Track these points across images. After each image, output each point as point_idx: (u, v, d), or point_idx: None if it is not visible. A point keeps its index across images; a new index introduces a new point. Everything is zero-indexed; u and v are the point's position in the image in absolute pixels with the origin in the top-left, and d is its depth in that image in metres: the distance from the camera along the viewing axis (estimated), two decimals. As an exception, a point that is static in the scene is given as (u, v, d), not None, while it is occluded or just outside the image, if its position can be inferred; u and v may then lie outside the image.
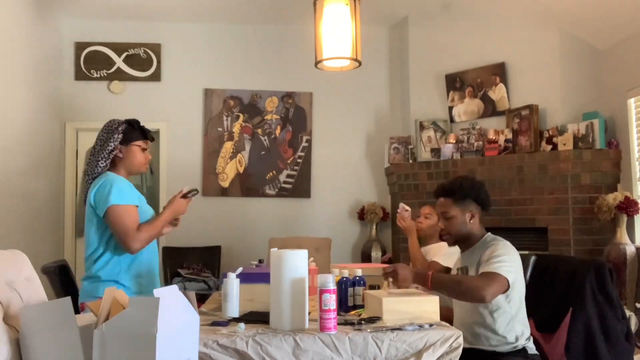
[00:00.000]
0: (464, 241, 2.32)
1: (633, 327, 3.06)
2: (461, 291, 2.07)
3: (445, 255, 2.92)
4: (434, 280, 2.08)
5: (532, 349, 2.19)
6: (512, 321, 2.14)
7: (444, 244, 2.94)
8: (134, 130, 2.38)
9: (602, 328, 2.26)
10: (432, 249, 3.08)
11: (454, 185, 2.31)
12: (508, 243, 2.21)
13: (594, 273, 2.31)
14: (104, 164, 2.32)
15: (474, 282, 2.04)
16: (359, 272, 2.35)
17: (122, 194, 2.25)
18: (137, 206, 2.30)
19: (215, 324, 1.98)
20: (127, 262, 2.28)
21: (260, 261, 3.06)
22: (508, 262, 2.09)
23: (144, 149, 2.40)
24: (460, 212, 2.28)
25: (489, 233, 2.32)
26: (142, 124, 2.43)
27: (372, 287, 2.45)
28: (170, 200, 2.44)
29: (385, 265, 2.20)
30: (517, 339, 2.15)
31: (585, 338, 2.26)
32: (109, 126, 2.36)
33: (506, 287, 2.07)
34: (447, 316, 2.23)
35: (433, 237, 3.09)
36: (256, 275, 2.36)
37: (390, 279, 2.12)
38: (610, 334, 2.25)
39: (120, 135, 2.33)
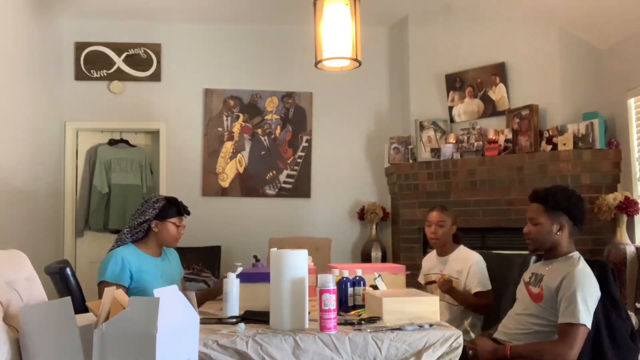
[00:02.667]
0: (547, 250, 2.29)
1: (634, 327, 3.06)
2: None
3: (462, 260, 2.88)
4: (514, 352, 2.09)
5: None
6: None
7: (463, 250, 2.92)
8: (171, 208, 2.59)
9: (607, 328, 2.25)
10: (452, 258, 2.94)
11: (549, 193, 2.27)
12: (588, 271, 2.16)
13: (596, 273, 2.30)
14: (130, 234, 2.55)
15: (556, 351, 2.04)
16: (359, 272, 2.35)
17: (113, 272, 2.44)
18: (122, 286, 2.43)
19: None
20: None
21: (257, 259, 3.05)
22: (587, 301, 2.07)
23: (177, 226, 2.60)
24: (549, 221, 2.24)
25: (576, 252, 2.28)
26: (180, 201, 2.65)
27: (372, 287, 2.45)
28: None
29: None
30: None
31: (593, 339, 2.25)
32: (149, 200, 2.62)
33: (587, 333, 2.07)
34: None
35: (447, 244, 2.97)
36: (256, 275, 2.36)
37: (470, 352, 2.14)
38: (615, 333, 2.24)
39: (156, 211, 2.56)
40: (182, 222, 2.64)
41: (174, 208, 2.59)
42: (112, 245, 2.58)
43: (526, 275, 2.44)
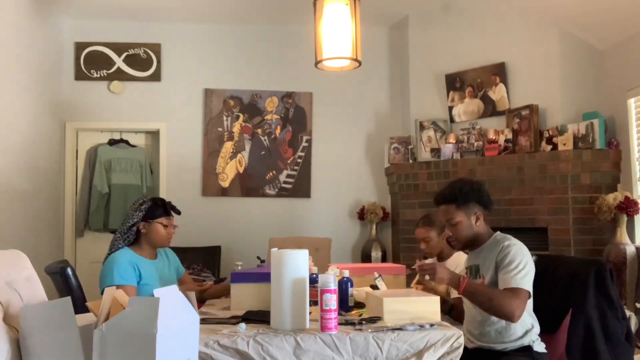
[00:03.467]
0: (472, 243, 2.31)
1: (633, 327, 3.06)
2: (491, 307, 2.08)
3: (459, 264, 2.85)
4: (467, 287, 2.08)
5: (540, 346, 2.20)
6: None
7: (460, 254, 2.90)
8: (158, 208, 2.59)
9: (602, 328, 2.25)
10: (451, 262, 2.92)
11: (454, 190, 2.28)
12: (519, 243, 2.21)
13: (594, 273, 2.30)
14: (122, 239, 2.56)
15: (505, 301, 2.04)
16: (347, 273, 2.35)
17: (121, 274, 2.43)
18: (134, 286, 2.45)
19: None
20: None
21: (262, 260, 3.05)
22: (523, 268, 2.10)
23: (165, 225, 2.59)
24: (465, 216, 2.27)
25: (498, 232, 2.32)
26: (168, 201, 2.65)
27: (372, 287, 2.45)
28: None
29: (426, 262, 2.15)
30: (526, 333, 2.17)
31: (586, 338, 2.26)
32: (135, 203, 2.62)
33: (528, 298, 2.10)
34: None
35: (442, 251, 2.96)
36: (257, 275, 2.36)
37: (427, 277, 2.11)
38: (610, 334, 2.25)
39: (142, 213, 2.56)
40: (171, 221, 2.64)
41: (160, 208, 2.60)
42: (107, 253, 2.58)
43: (462, 274, 2.43)
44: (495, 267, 2.18)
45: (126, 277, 2.43)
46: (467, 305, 2.32)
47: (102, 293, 2.41)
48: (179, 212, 2.68)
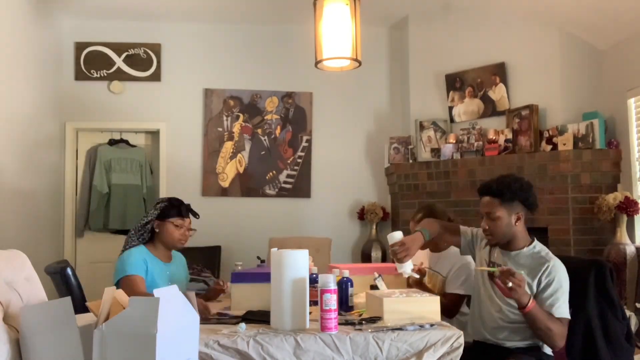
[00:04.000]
0: (507, 242, 2.27)
1: (633, 327, 3.06)
2: (546, 335, 2.08)
3: (452, 259, 2.81)
4: (532, 310, 2.04)
5: (548, 348, 2.21)
6: None
7: (453, 251, 2.85)
8: (172, 208, 2.61)
9: (602, 328, 2.25)
10: (444, 255, 2.84)
11: (502, 185, 2.23)
12: (559, 263, 2.19)
13: (594, 273, 2.31)
14: (136, 236, 2.60)
15: (558, 333, 2.07)
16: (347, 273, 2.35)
17: (131, 265, 2.46)
18: (143, 278, 2.48)
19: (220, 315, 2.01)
20: None
21: (262, 260, 3.05)
22: (564, 293, 2.13)
23: (176, 226, 2.60)
24: (507, 213, 2.22)
25: (536, 240, 2.29)
26: (187, 203, 2.68)
27: (372, 287, 2.45)
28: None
29: (517, 273, 2.05)
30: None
31: (586, 338, 2.26)
32: (154, 202, 2.68)
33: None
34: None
35: (436, 245, 2.87)
36: (257, 275, 2.36)
37: (510, 283, 2.00)
38: (610, 334, 2.25)
39: (157, 212, 2.59)
40: (186, 223, 2.65)
41: (175, 209, 2.61)
42: (122, 249, 2.61)
43: (483, 266, 2.36)
44: (537, 284, 2.16)
45: (137, 268, 2.46)
46: (482, 298, 2.31)
47: (116, 286, 2.43)
48: (196, 215, 2.70)
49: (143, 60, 5.01)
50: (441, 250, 2.87)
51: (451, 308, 2.62)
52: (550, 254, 2.24)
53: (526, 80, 4.36)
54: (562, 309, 2.11)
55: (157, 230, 2.59)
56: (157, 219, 2.59)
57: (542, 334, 2.08)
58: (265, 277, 2.24)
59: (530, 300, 2.04)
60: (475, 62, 4.58)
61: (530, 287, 2.16)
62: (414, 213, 2.92)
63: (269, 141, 5.10)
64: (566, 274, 2.18)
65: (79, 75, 4.95)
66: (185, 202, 2.74)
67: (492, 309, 2.26)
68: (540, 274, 2.15)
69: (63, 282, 2.52)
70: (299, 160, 5.10)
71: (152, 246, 2.61)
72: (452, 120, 4.70)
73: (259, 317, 2.04)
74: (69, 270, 2.55)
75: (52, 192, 4.69)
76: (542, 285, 2.15)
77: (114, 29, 4.99)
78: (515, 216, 2.23)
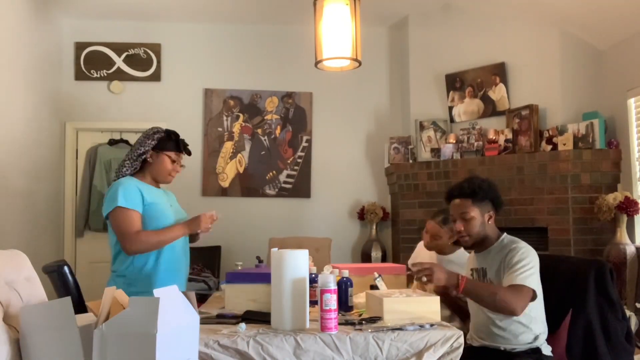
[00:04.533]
0: (481, 243, 2.30)
1: (633, 327, 3.06)
2: (493, 302, 2.05)
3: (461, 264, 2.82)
4: (467, 285, 2.04)
5: (547, 349, 2.20)
6: (531, 322, 2.16)
7: (462, 251, 2.88)
8: (170, 141, 2.47)
9: (602, 328, 2.25)
10: (451, 259, 2.90)
11: (474, 186, 2.27)
12: (527, 246, 2.20)
13: (594, 273, 2.30)
14: (130, 167, 2.43)
15: (507, 296, 2.03)
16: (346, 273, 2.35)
17: (126, 198, 2.33)
18: (138, 212, 2.35)
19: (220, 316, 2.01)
20: (140, 262, 2.37)
21: (260, 260, 3.04)
22: (530, 269, 2.10)
23: (173, 161, 2.48)
24: (480, 213, 2.26)
25: (505, 234, 2.32)
26: (181, 138, 2.52)
27: (372, 287, 2.45)
28: (194, 218, 2.46)
29: (422, 263, 2.12)
30: (535, 339, 2.18)
31: (586, 338, 2.26)
32: (147, 132, 2.48)
33: (532, 298, 2.09)
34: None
35: (446, 247, 2.92)
36: (256, 276, 2.35)
37: (424, 278, 2.05)
38: (610, 334, 2.25)
39: (154, 142, 2.43)
40: (180, 158, 2.51)
41: (173, 142, 2.48)
42: (113, 178, 2.48)
43: (467, 273, 2.41)
44: (502, 270, 2.18)
45: (131, 201, 2.33)
46: (473, 305, 2.32)
47: (106, 217, 2.40)
48: (189, 153, 2.57)
49: (143, 60, 5.01)
50: (447, 254, 2.91)
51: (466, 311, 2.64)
52: (517, 240, 2.25)
53: (526, 80, 4.36)
54: (522, 277, 2.06)
55: (150, 160, 2.44)
56: (153, 149, 2.44)
57: (489, 302, 2.06)
58: (259, 278, 2.24)
59: (460, 278, 2.04)
60: (475, 62, 4.58)
61: (500, 276, 2.17)
62: (435, 213, 3.00)
63: (269, 141, 5.10)
64: (531, 252, 2.17)
65: (79, 75, 4.96)
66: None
67: (481, 315, 2.26)
68: (506, 257, 2.17)
69: (60, 280, 2.51)
70: (299, 160, 5.10)
71: (142, 175, 2.47)
72: (452, 120, 4.70)
73: (258, 317, 2.04)
74: (65, 269, 2.53)
75: (52, 192, 4.69)
76: (504, 266, 2.16)
77: (114, 29, 4.99)
78: (487, 215, 2.28)
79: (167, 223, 2.40)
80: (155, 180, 2.51)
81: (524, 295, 2.05)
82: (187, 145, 2.56)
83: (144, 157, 2.43)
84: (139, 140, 2.46)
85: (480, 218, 2.26)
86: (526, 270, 2.09)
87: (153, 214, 2.38)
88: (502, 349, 2.21)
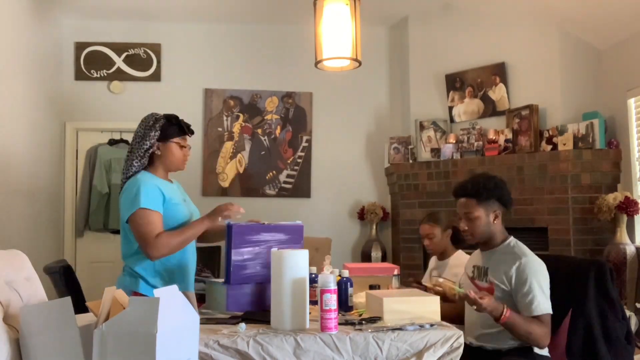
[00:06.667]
0: (486, 242, 2.30)
1: (633, 327, 3.06)
2: (528, 339, 2.09)
3: (460, 266, 2.84)
4: (509, 320, 2.05)
5: (542, 350, 2.20)
6: None
7: (461, 253, 2.90)
8: (172, 126, 2.32)
9: (602, 328, 2.25)
10: (450, 263, 2.93)
11: (478, 185, 2.26)
12: (534, 260, 2.19)
13: (594, 273, 2.30)
14: (139, 164, 2.28)
15: (540, 335, 2.07)
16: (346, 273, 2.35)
17: (148, 198, 2.18)
18: (160, 213, 2.22)
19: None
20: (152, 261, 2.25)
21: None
22: (542, 288, 2.11)
23: (182, 146, 2.34)
24: (484, 212, 2.25)
25: (512, 237, 2.31)
26: (180, 118, 2.37)
27: (372, 287, 2.45)
28: (214, 209, 2.31)
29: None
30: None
31: (586, 338, 2.26)
32: (146, 122, 2.31)
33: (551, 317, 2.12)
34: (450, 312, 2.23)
35: (446, 249, 2.96)
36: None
37: (474, 306, 2.05)
38: (610, 334, 2.25)
39: (158, 132, 2.28)
40: (186, 141, 2.37)
41: (175, 127, 2.33)
42: (123, 178, 2.31)
43: (468, 270, 2.43)
44: (508, 282, 2.17)
45: (154, 201, 2.19)
46: (468, 309, 2.32)
47: (126, 222, 2.20)
48: (192, 132, 2.42)
49: (143, 60, 5.01)
50: (447, 257, 2.97)
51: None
52: (526, 250, 2.23)
53: (526, 80, 4.36)
54: (541, 306, 2.08)
55: (158, 152, 2.30)
56: (159, 140, 2.29)
57: (524, 339, 2.10)
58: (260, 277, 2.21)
59: (505, 310, 2.04)
60: (475, 62, 4.58)
61: (503, 283, 2.18)
62: (423, 218, 3.07)
63: (269, 141, 5.10)
64: (542, 267, 2.17)
65: (79, 75, 4.96)
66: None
67: (474, 316, 2.27)
68: (512, 270, 2.16)
69: (61, 281, 2.52)
70: (299, 160, 5.10)
71: (153, 169, 2.32)
72: (452, 120, 4.70)
73: (258, 317, 2.04)
74: (67, 270, 2.54)
75: (52, 192, 4.69)
76: (515, 283, 2.14)
77: (114, 29, 4.99)
78: (493, 214, 2.26)
79: (183, 220, 2.30)
80: (168, 171, 2.38)
81: (548, 326, 2.09)
82: (190, 125, 2.41)
83: (151, 150, 2.29)
84: (139, 133, 2.30)
85: (485, 218, 2.25)
86: (541, 293, 2.10)
87: (171, 213, 2.27)
88: (490, 348, 2.21)
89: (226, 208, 2.28)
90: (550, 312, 2.11)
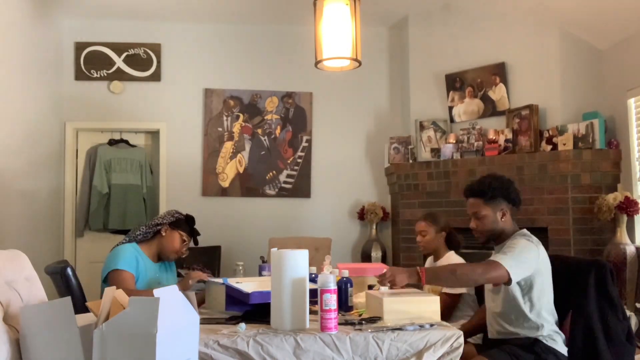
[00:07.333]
0: (496, 238, 2.37)
1: (633, 327, 3.06)
2: (456, 278, 2.14)
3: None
4: (428, 274, 2.12)
5: (551, 340, 2.22)
6: (533, 313, 2.21)
7: (452, 254, 2.96)
8: (187, 224, 2.75)
9: (603, 328, 2.26)
10: (443, 261, 2.96)
11: (484, 185, 2.35)
12: (527, 240, 2.25)
13: (594, 273, 2.31)
14: (144, 232, 2.67)
15: (468, 267, 2.15)
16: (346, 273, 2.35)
17: (124, 261, 2.54)
18: (133, 274, 2.56)
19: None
20: None
21: (264, 260, 3.06)
22: (516, 256, 2.15)
23: (183, 241, 2.72)
24: (492, 211, 2.33)
25: (524, 229, 2.37)
26: (195, 226, 2.80)
27: (370, 287, 2.45)
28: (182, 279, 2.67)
29: (383, 266, 2.20)
30: (539, 329, 2.22)
31: (586, 338, 2.26)
32: (170, 211, 2.79)
33: (505, 279, 2.13)
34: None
35: (439, 250, 3.02)
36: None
37: (388, 284, 2.11)
38: (611, 334, 2.25)
39: (173, 219, 2.71)
40: (189, 243, 2.77)
41: (189, 226, 2.75)
42: (121, 241, 2.70)
43: None
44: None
45: (128, 264, 2.53)
46: (487, 300, 2.39)
47: (103, 280, 2.55)
48: (197, 242, 2.83)
49: (143, 60, 5.01)
50: (440, 257, 3.02)
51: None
52: (528, 234, 2.31)
53: (526, 80, 4.35)
54: (499, 257, 2.15)
55: (163, 234, 2.68)
56: (170, 225, 2.68)
57: (453, 280, 2.16)
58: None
59: (419, 269, 2.11)
60: (475, 62, 4.58)
61: None
62: (421, 216, 3.13)
63: (269, 141, 5.10)
64: (525, 243, 2.22)
65: (79, 75, 4.95)
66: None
67: (493, 310, 2.33)
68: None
69: (63, 282, 2.52)
70: (299, 160, 5.10)
71: (147, 246, 2.69)
72: (452, 120, 4.70)
73: (258, 317, 2.04)
74: (69, 270, 2.55)
75: (52, 192, 4.69)
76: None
77: (114, 29, 4.99)
78: (501, 212, 2.34)
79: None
80: (159, 254, 2.71)
81: (492, 269, 2.11)
82: (199, 234, 2.82)
83: (159, 228, 2.67)
84: (161, 215, 2.76)
85: (492, 216, 2.33)
86: (508, 255, 2.15)
87: (140, 284, 2.58)
88: (501, 338, 2.25)
89: (195, 275, 2.62)
90: (508, 270, 2.11)
